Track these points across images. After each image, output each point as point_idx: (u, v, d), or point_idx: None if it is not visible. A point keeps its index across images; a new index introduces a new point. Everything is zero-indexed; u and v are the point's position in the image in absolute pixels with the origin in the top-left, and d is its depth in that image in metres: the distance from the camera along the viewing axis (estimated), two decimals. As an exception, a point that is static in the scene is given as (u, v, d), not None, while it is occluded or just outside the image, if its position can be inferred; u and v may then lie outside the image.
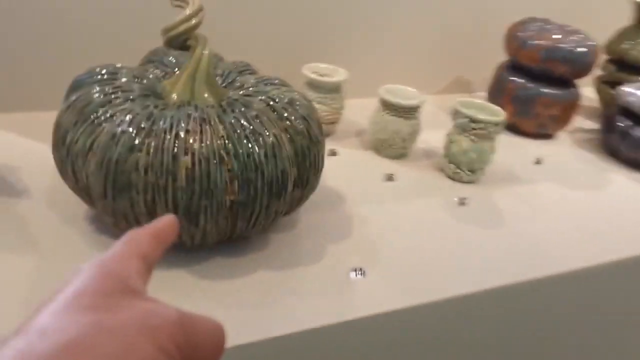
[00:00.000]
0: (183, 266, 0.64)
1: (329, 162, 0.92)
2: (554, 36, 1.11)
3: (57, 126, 0.62)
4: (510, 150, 1.08)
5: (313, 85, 0.97)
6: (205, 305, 0.59)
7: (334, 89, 0.98)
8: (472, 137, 0.89)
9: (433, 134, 1.03)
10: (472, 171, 0.92)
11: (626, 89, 1.09)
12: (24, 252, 0.62)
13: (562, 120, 1.14)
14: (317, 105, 0.96)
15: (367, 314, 0.62)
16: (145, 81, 0.68)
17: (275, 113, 0.64)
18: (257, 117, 0.62)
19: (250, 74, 0.76)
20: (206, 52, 0.66)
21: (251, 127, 0.61)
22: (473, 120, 0.88)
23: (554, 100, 1.11)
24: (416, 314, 0.66)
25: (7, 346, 0.25)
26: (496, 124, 0.89)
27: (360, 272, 0.68)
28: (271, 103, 0.65)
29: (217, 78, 0.73)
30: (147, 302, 0.27)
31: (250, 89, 0.70)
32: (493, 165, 0.97)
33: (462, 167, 0.92)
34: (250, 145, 0.60)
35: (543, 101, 1.11)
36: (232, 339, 0.56)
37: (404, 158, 0.98)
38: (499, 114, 0.91)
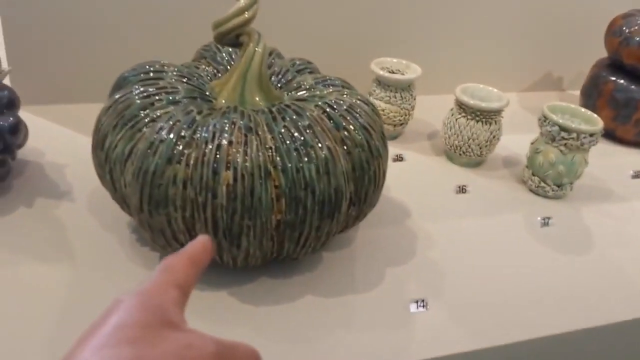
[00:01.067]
0: (224, 287, 0.58)
1: (393, 169, 0.84)
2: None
3: (97, 128, 0.58)
4: (605, 160, 0.95)
5: (382, 83, 0.89)
6: (244, 334, 0.53)
7: (404, 87, 0.89)
8: (562, 148, 0.78)
9: (515, 139, 0.93)
10: (559, 186, 0.81)
11: None
12: (58, 262, 0.58)
13: (669, 127, 1.00)
14: (384, 105, 0.88)
15: (427, 357, 0.54)
16: (193, 81, 0.62)
17: (332, 121, 0.57)
18: (309, 127, 0.55)
19: (309, 72, 0.69)
20: (259, 49, 0.59)
21: (302, 139, 0.54)
22: (564, 129, 0.77)
23: (660, 104, 0.97)
24: (486, 358, 0.57)
25: None
26: (592, 134, 0.77)
27: (422, 304, 0.60)
28: (327, 110, 0.58)
29: (273, 78, 0.67)
30: (185, 333, 0.28)
31: (307, 91, 0.63)
32: (582, 178, 0.85)
33: (547, 181, 0.81)
34: (300, 159, 0.53)
35: (647, 105, 0.97)
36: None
37: (480, 166, 0.88)
38: (596, 123, 0.79)
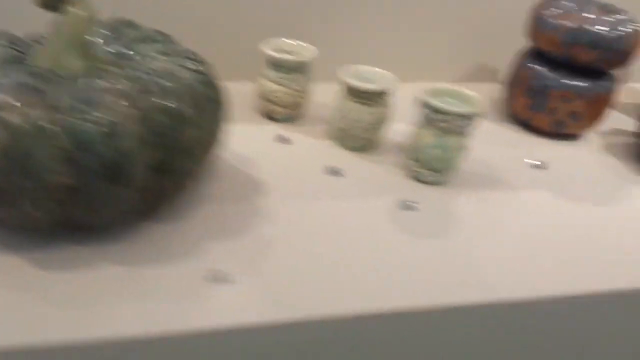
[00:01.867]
0: (21, 250, 0.57)
1: (275, 151, 0.83)
2: (583, 15, 0.91)
3: None
4: (511, 149, 0.91)
5: (273, 63, 0.87)
6: (26, 299, 0.52)
7: (296, 69, 0.86)
8: (437, 132, 0.75)
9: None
10: (437, 171, 0.78)
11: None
12: None
13: (587, 118, 0.94)
14: (275, 87, 0.87)
15: (216, 326, 0.52)
16: (21, 47, 0.62)
17: (136, 85, 0.55)
18: (106, 90, 0.54)
19: (156, 42, 0.67)
20: (77, 12, 0.59)
21: (92, 101, 0.53)
22: (437, 111, 0.74)
23: (575, 93, 0.92)
24: (280, 332, 0.55)
25: None
26: (464, 117, 0.73)
27: (225, 279, 0.58)
28: (136, 74, 0.57)
29: (113, 46, 0.65)
30: None
31: (130, 59, 0.62)
32: (476, 165, 0.82)
33: (424, 165, 0.77)
34: (85, 121, 0.52)
35: (561, 94, 0.92)
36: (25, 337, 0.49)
37: (368, 151, 0.85)
38: (473, 105, 0.76)
